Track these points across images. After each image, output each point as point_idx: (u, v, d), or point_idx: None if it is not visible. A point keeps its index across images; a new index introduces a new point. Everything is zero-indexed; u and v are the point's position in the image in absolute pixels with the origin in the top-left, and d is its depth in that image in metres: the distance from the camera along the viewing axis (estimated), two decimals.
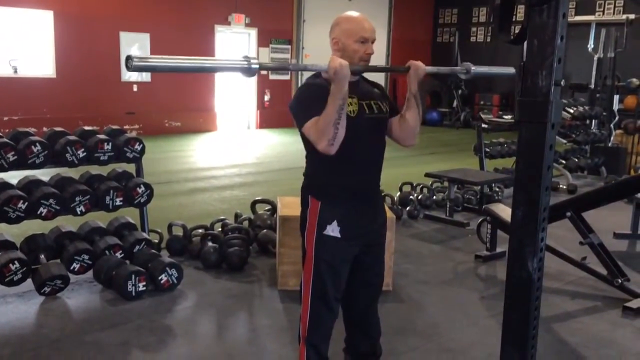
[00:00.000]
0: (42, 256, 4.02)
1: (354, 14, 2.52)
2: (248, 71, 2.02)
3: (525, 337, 1.74)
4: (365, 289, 2.69)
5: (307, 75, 2.59)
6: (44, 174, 4.26)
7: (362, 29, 2.44)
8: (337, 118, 2.25)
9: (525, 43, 1.76)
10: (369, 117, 2.48)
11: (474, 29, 17.15)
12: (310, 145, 2.42)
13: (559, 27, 1.62)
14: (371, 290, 2.73)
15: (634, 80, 8.72)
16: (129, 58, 1.77)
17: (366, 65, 2.46)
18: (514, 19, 1.96)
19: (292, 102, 2.48)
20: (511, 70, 2.94)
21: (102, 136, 4.31)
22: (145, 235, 4.43)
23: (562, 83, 1.67)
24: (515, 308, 1.76)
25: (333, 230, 2.47)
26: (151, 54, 12.20)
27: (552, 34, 1.62)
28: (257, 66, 2.02)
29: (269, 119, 14.17)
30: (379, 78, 15.78)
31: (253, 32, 13.91)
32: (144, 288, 3.87)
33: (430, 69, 2.61)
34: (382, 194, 5.78)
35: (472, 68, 2.71)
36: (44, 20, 10.97)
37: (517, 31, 1.81)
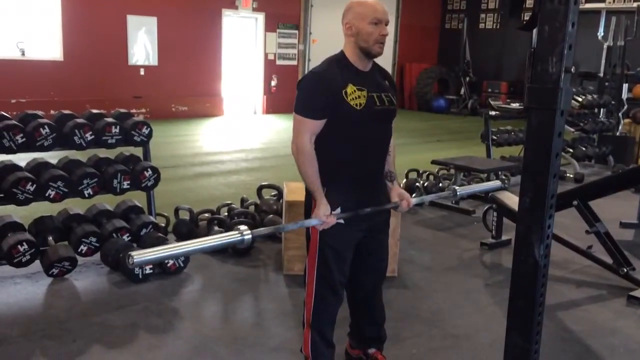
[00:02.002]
0: (50, 238, 4.05)
1: None
2: (241, 243, 2.09)
3: (530, 324, 1.74)
4: (370, 274, 2.71)
5: (314, 62, 2.59)
6: (52, 157, 4.28)
7: (375, 11, 2.43)
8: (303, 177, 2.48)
9: (536, 29, 1.74)
10: (379, 109, 2.49)
11: (482, 16, 17.00)
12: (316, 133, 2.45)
13: (570, 14, 1.61)
14: (375, 275, 2.75)
15: None
16: (129, 256, 1.84)
17: (350, 213, 2.51)
18: (523, 6, 1.94)
19: (299, 86, 2.49)
20: (497, 183, 3.24)
21: (110, 119, 4.32)
22: (152, 218, 4.45)
23: (572, 70, 1.66)
24: (521, 294, 1.77)
25: (337, 216, 2.48)
26: (158, 37, 12.20)
27: (563, 20, 1.61)
28: (250, 237, 2.08)
29: (275, 104, 14.15)
30: (385, 65, 15.72)
31: (260, 17, 13.84)
32: (151, 271, 3.90)
33: (416, 201, 2.83)
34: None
35: (459, 190, 2.89)
36: (51, 3, 10.94)
37: (526, 18, 1.80)
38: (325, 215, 2.40)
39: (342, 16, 2.50)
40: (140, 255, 1.86)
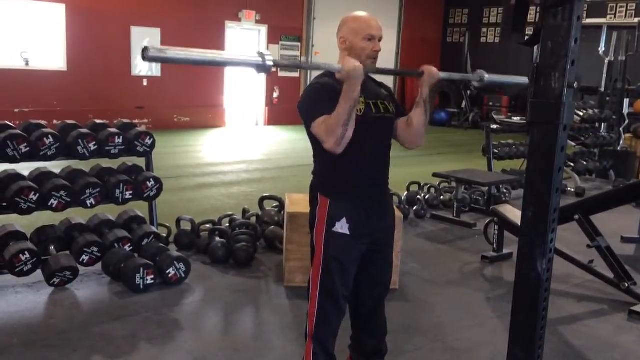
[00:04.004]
0: (52, 247, 4.05)
1: (360, 13, 2.55)
2: (262, 67, 2.03)
3: (532, 338, 1.75)
4: (373, 288, 2.71)
5: (316, 74, 2.61)
6: (55, 166, 4.30)
7: (369, 27, 2.46)
8: (347, 119, 2.28)
9: (539, 45, 1.76)
10: (376, 117, 2.50)
11: (484, 30, 17.09)
12: (318, 145, 2.44)
13: (573, 30, 1.63)
14: (379, 289, 2.74)
15: None
16: (145, 49, 1.79)
17: (381, 68, 2.47)
18: (526, 21, 1.97)
19: (300, 102, 2.50)
20: (524, 79, 2.94)
21: (113, 130, 4.34)
22: (153, 229, 4.46)
23: (574, 85, 1.67)
24: (523, 308, 1.77)
25: (342, 227, 2.48)
26: None
27: (566, 36, 1.63)
28: (272, 63, 2.03)
29: (277, 115, 14.19)
30: (386, 78, 15.78)
31: (263, 29, 13.92)
32: (152, 281, 3.90)
33: (444, 74, 2.62)
34: (390, 193, 5.80)
35: (486, 76, 2.72)
36: (56, 14, 11.02)
37: (528, 32, 1.82)
38: (354, 65, 2.25)
39: (337, 30, 2.53)
40: (157, 51, 1.82)
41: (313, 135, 2.44)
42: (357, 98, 2.28)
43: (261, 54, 2.04)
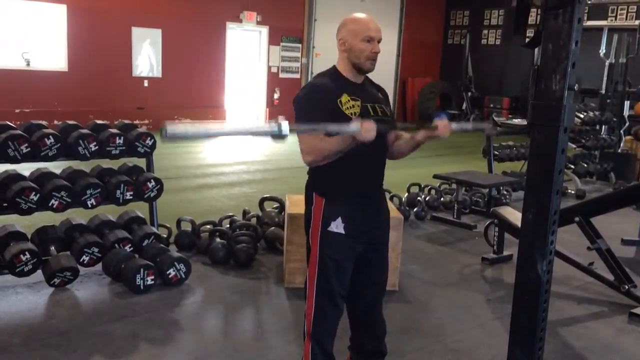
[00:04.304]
0: (53, 248, 4.06)
1: (359, 15, 2.57)
2: (279, 136, 2.08)
3: (532, 339, 1.75)
4: (370, 287, 2.72)
5: (315, 72, 2.63)
6: (56, 167, 4.30)
7: (368, 29, 2.48)
8: (332, 156, 2.36)
9: (539, 47, 1.77)
10: (373, 119, 2.50)
11: (485, 32, 17.09)
12: None
13: (573, 32, 1.63)
14: (375, 288, 2.75)
15: None
16: (162, 129, 1.80)
17: (394, 125, 2.48)
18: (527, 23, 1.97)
19: (296, 99, 2.53)
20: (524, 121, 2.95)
21: (114, 130, 4.34)
22: (154, 229, 4.46)
23: (575, 88, 1.68)
24: (523, 310, 1.77)
25: (337, 226, 2.50)
26: (163, 49, 12.28)
27: (567, 39, 1.63)
28: (287, 131, 2.08)
29: (278, 116, 14.18)
30: (387, 79, 15.80)
31: (264, 30, 13.93)
32: (152, 282, 3.90)
33: (456, 127, 2.57)
34: (390, 195, 5.81)
35: (498, 121, 2.69)
36: (57, 14, 11.03)
37: (529, 34, 1.83)
38: (365, 122, 2.25)
39: (336, 31, 2.55)
40: (173, 128, 1.81)
41: None
42: (350, 148, 2.31)
43: (278, 124, 2.06)
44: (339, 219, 2.48)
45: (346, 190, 2.52)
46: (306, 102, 2.49)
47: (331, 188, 2.51)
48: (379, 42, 2.51)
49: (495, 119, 8.03)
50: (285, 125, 2.04)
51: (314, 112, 2.43)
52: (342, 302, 2.63)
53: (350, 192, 2.52)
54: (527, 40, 1.91)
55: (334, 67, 2.57)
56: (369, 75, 2.61)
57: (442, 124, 2.49)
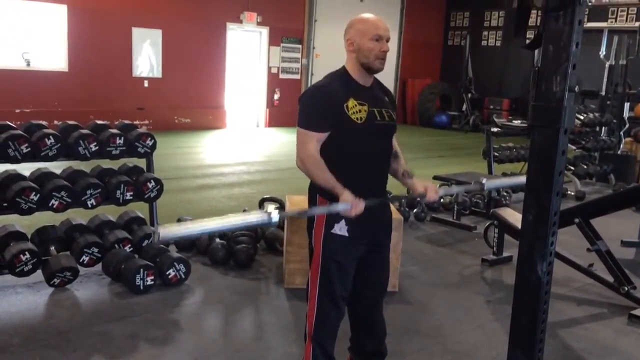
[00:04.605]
0: (53, 248, 4.06)
1: (367, 15, 2.56)
2: (268, 223, 2.11)
3: (533, 340, 1.75)
4: (371, 288, 2.72)
5: (317, 76, 2.63)
6: (56, 167, 4.30)
7: (376, 28, 2.48)
8: (314, 180, 2.45)
9: (540, 48, 1.77)
10: (379, 124, 2.52)
11: (485, 33, 17.10)
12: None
13: (574, 34, 1.63)
14: (377, 289, 2.75)
15: None
16: (154, 233, 1.85)
17: (380, 199, 2.51)
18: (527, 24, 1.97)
19: (301, 99, 2.53)
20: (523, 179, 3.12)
21: (114, 131, 4.34)
22: (154, 229, 4.45)
23: (575, 89, 1.68)
24: (523, 311, 1.77)
25: (341, 229, 2.50)
26: (163, 50, 12.28)
27: (568, 40, 1.64)
28: (277, 218, 2.10)
29: (278, 117, 14.20)
30: (387, 80, 15.80)
31: (264, 31, 13.93)
32: (152, 282, 3.90)
33: (443, 192, 2.69)
34: (390, 196, 5.80)
35: (484, 181, 2.80)
36: (57, 14, 11.03)
37: (529, 36, 1.83)
38: (354, 200, 2.33)
39: (344, 32, 2.54)
40: (166, 230, 1.86)
41: None
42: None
43: (268, 213, 2.10)
44: (343, 222, 2.48)
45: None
46: (310, 104, 2.49)
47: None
48: (387, 41, 2.50)
49: (496, 120, 8.02)
50: (275, 215, 2.08)
51: (317, 115, 2.44)
52: (343, 303, 2.63)
53: (355, 195, 2.52)
54: (527, 41, 1.91)
55: (344, 68, 2.56)
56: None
57: (429, 188, 2.60)
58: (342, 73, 2.54)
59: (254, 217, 2.09)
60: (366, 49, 2.47)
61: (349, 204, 2.32)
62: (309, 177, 2.46)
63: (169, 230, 1.87)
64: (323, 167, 2.42)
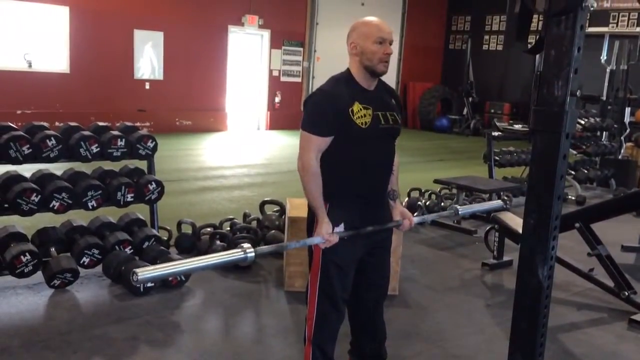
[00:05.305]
0: (53, 249, 4.06)
1: (370, 18, 2.57)
2: (244, 260, 2.10)
3: (533, 345, 1.75)
4: (371, 291, 2.72)
5: (318, 79, 2.64)
6: (57, 168, 4.30)
7: (380, 30, 2.48)
8: (305, 190, 2.49)
9: (542, 53, 1.77)
10: (384, 128, 2.52)
11: (486, 37, 17.11)
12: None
13: (576, 39, 1.64)
14: (377, 292, 2.75)
15: None
16: (133, 273, 1.87)
17: (352, 232, 2.52)
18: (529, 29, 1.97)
19: (307, 103, 2.53)
20: (499, 203, 3.36)
21: (116, 132, 4.35)
22: (154, 231, 4.46)
23: (577, 94, 1.68)
24: (524, 315, 1.77)
25: (339, 234, 2.50)
26: (164, 52, 12.29)
27: (570, 45, 1.64)
28: (253, 255, 2.10)
29: (279, 120, 14.21)
30: (388, 81, 15.80)
31: (266, 34, 13.95)
32: (152, 284, 3.90)
33: (417, 220, 2.83)
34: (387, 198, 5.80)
35: (460, 210, 2.89)
36: (59, 16, 11.04)
37: (531, 40, 1.83)
38: (327, 234, 2.41)
39: (347, 36, 2.55)
40: (143, 272, 1.88)
41: None
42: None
43: (242, 248, 2.11)
44: (342, 225, 2.49)
45: (350, 196, 2.53)
46: (316, 109, 2.49)
47: (335, 193, 2.51)
48: (390, 44, 2.51)
49: (498, 124, 8.03)
50: (250, 252, 2.08)
51: (322, 120, 2.45)
52: (343, 306, 2.63)
53: (355, 198, 2.53)
54: (529, 46, 1.92)
55: (348, 71, 2.56)
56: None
57: (405, 221, 2.71)
58: (347, 76, 2.54)
59: (229, 255, 2.09)
60: (369, 52, 2.47)
61: (323, 238, 2.41)
62: (302, 183, 2.48)
63: (146, 271, 1.90)
64: (318, 182, 2.45)
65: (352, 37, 2.52)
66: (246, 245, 2.12)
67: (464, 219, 6.18)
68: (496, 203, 3.34)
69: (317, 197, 2.45)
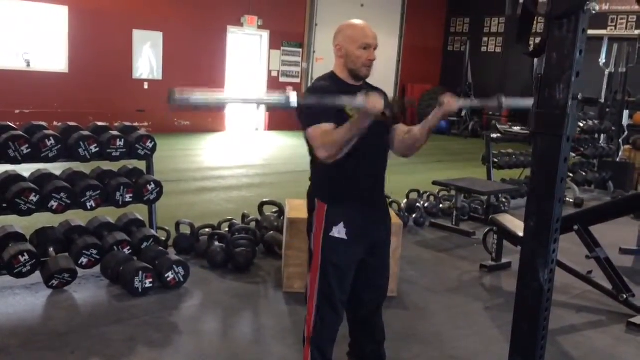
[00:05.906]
0: (51, 249, 4.05)
1: (356, 21, 2.57)
2: (287, 105, 2.10)
3: (533, 348, 1.75)
4: (371, 292, 2.72)
5: (315, 77, 2.65)
6: (56, 168, 4.29)
7: (365, 36, 2.49)
8: (348, 144, 2.30)
9: (543, 56, 1.77)
10: (374, 123, 2.50)
11: (485, 39, 17.14)
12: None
13: (578, 42, 1.64)
14: (376, 293, 2.75)
15: None
16: (172, 92, 1.80)
17: (405, 101, 2.40)
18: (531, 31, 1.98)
19: (300, 105, 2.51)
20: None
21: (114, 132, 4.34)
22: (153, 232, 4.46)
23: (579, 97, 1.68)
24: (524, 318, 1.77)
25: (339, 232, 2.50)
26: (164, 52, 12.28)
27: (571, 48, 1.64)
28: (295, 100, 2.09)
29: (277, 121, 14.20)
30: (387, 85, 15.83)
31: (265, 34, 13.95)
32: (151, 285, 3.89)
33: (463, 103, 2.54)
34: (389, 201, 5.81)
35: (504, 100, 2.65)
36: (58, 16, 11.03)
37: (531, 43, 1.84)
38: (377, 104, 2.20)
39: (333, 37, 2.56)
40: (181, 93, 1.84)
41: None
42: (363, 132, 2.27)
43: (286, 96, 2.09)
44: (341, 225, 2.49)
45: (349, 196, 2.53)
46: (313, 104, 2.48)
47: (334, 194, 2.51)
48: (375, 49, 2.52)
49: (499, 126, 8.03)
50: (293, 97, 2.05)
51: (322, 109, 2.38)
52: (342, 308, 2.63)
53: (353, 198, 2.53)
54: (530, 48, 1.92)
55: (332, 72, 2.59)
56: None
57: (447, 99, 2.46)
58: (332, 76, 2.58)
59: (272, 97, 2.09)
60: (354, 56, 2.50)
61: (364, 98, 2.21)
62: (340, 151, 2.33)
63: (183, 94, 1.85)
64: (334, 132, 2.33)
65: (338, 39, 2.54)
66: (289, 89, 2.10)
67: (462, 221, 6.18)
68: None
69: (342, 129, 2.30)
